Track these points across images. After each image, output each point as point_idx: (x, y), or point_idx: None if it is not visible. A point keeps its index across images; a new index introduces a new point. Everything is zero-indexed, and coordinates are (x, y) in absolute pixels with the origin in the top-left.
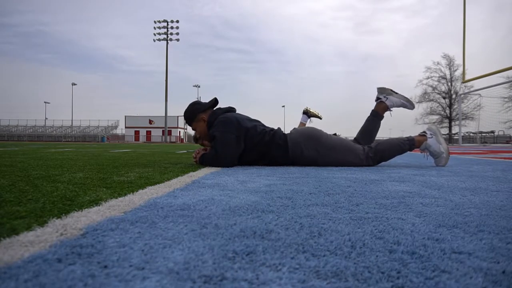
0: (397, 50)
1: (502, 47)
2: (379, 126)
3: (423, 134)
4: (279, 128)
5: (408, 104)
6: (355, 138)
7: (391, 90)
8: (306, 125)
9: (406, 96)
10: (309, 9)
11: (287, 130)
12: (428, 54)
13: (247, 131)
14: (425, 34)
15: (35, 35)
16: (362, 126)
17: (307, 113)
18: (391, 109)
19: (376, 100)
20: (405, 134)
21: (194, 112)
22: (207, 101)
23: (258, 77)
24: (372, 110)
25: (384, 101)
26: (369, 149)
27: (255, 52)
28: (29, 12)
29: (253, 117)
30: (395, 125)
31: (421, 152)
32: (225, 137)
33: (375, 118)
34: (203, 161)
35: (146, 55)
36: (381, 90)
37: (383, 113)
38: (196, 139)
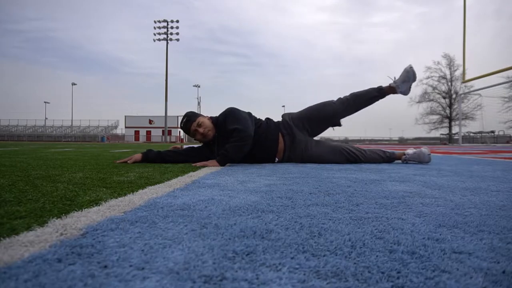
0: (388, 56)
1: (495, 48)
2: (372, 103)
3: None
4: (267, 118)
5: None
6: (342, 99)
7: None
8: None
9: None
10: (301, 21)
11: None
12: (419, 57)
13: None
14: (412, 41)
15: (44, 40)
16: (359, 93)
17: None
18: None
19: (393, 84)
20: (405, 134)
21: (195, 113)
22: (207, 103)
23: (257, 79)
24: (381, 88)
25: (397, 91)
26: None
27: (253, 55)
28: (39, 20)
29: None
30: (395, 125)
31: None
32: (243, 115)
33: (379, 97)
34: (225, 160)
35: (147, 58)
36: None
37: (387, 95)
38: (202, 134)
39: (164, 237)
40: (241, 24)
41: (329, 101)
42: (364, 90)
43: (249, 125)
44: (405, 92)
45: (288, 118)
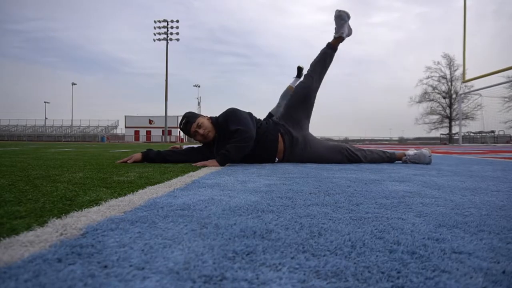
0: (388, 56)
1: (492, 49)
2: (331, 61)
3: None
4: (266, 118)
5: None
6: (306, 74)
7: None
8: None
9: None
10: (300, 21)
11: None
12: (420, 57)
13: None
14: (412, 41)
15: (44, 40)
16: (317, 58)
17: (300, 73)
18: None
19: (336, 34)
20: (405, 134)
21: (194, 114)
22: (207, 103)
23: (257, 79)
24: (329, 43)
25: (343, 36)
26: (351, 150)
27: (253, 55)
28: (39, 20)
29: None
30: (396, 125)
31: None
32: (244, 116)
33: (332, 52)
34: (225, 160)
35: (147, 58)
36: (340, 19)
37: (337, 46)
38: (203, 136)
39: (164, 237)
40: (241, 24)
41: (298, 83)
42: (318, 55)
43: (251, 126)
44: (349, 33)
45: (278, 118)
